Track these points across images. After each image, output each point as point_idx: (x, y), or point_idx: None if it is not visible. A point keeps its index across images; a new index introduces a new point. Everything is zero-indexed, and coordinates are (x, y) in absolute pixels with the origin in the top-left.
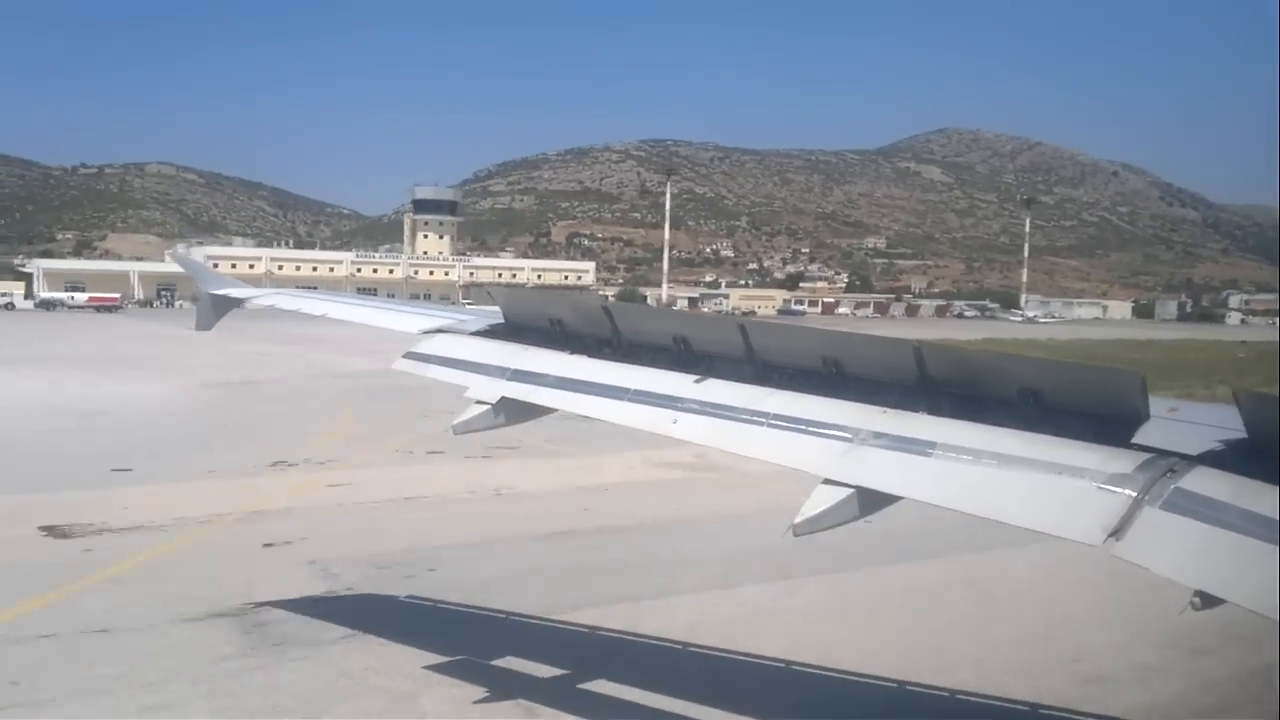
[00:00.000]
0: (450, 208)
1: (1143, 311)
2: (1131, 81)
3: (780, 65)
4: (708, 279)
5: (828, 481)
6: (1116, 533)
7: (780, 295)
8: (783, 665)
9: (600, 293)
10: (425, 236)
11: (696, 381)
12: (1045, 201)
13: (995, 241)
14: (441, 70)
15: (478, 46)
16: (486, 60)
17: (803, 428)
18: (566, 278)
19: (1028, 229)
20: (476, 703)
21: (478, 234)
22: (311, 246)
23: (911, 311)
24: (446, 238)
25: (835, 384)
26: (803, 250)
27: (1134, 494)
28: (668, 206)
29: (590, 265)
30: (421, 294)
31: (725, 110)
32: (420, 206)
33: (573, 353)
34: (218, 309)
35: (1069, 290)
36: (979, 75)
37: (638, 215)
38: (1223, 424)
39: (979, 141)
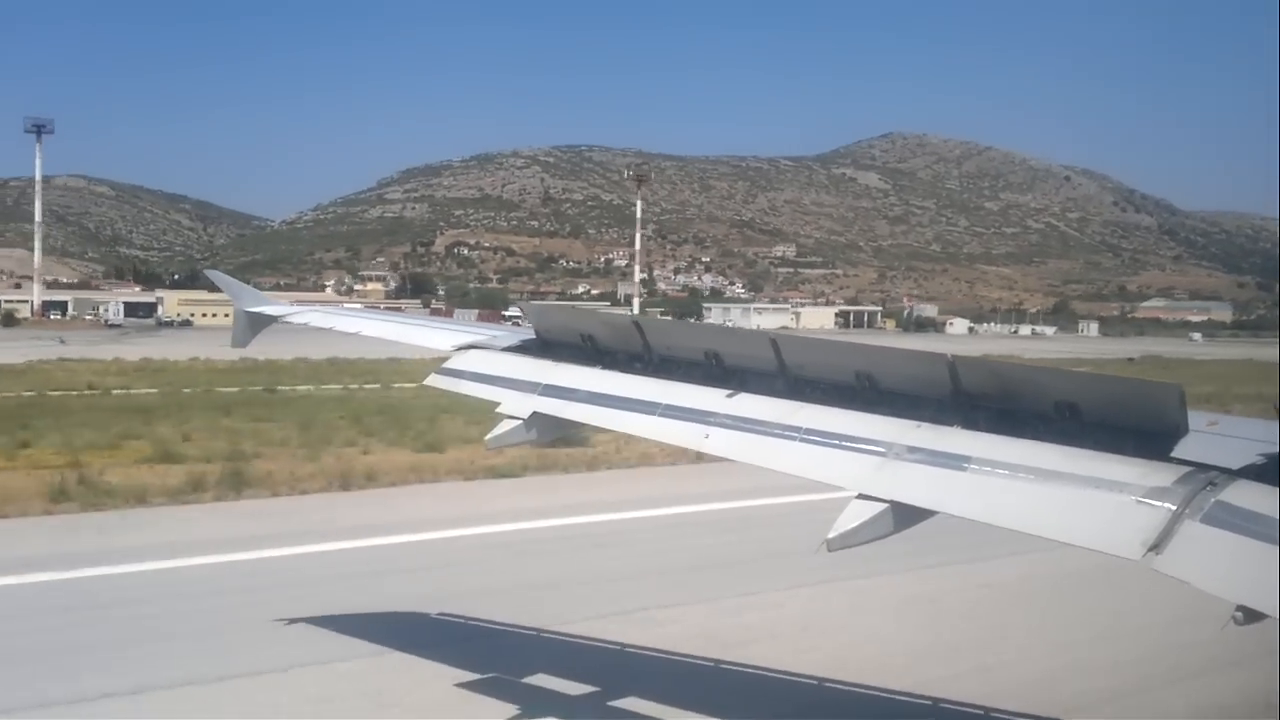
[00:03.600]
0: None
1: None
2: (1101, 84)
3: (720, 69)
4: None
5: (862, 496)
6: (1156, 546)
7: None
8: None
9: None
10: None
11: (728, 396)
12: (989, 208)
13: (925, 250)
14: (362, 73)
15: (400, 46)
16: (405, 63)
17: (836, 442)
18: None
19: (639, 213)
20: None
21: (353, 244)
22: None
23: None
24: None
25: (868, 398)
26: (702, 259)
27: (1174, 507)
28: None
29: None
30: None
31: (657, 117)
32: None
33: (604, 368)
34: (253, 326)
35: (985, 299)
36: (931, 78)
37: (536, 223)
38: (1263, 437)
39: (925, 147)
